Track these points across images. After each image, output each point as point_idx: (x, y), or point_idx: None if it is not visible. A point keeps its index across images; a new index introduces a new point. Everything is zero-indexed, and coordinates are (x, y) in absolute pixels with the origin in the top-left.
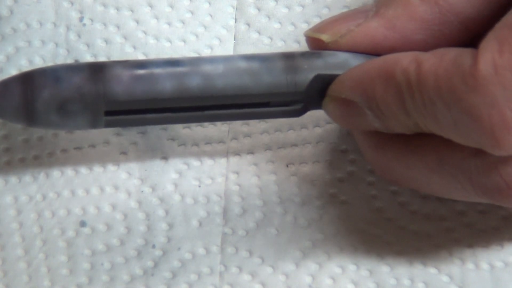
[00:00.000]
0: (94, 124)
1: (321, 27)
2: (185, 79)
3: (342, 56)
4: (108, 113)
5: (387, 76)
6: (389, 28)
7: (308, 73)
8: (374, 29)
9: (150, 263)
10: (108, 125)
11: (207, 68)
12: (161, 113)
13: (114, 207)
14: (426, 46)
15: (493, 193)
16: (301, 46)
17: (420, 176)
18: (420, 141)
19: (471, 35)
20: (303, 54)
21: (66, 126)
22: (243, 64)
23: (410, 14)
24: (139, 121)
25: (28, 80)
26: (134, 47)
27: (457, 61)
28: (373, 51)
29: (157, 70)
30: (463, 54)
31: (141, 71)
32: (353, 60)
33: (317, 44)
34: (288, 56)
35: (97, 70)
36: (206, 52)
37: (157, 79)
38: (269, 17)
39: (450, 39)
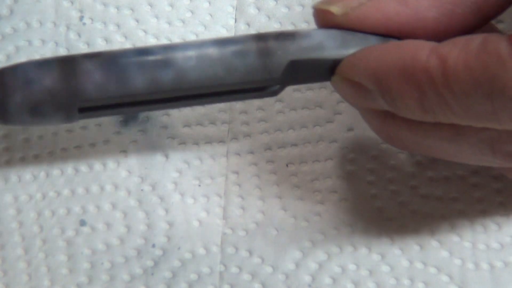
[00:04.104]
0: (68, 121)
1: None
2: (157, 74)
3: (316, 38)
4: (82, 109)
5: (405, 73)
6: (401, 3)
7: (282, 58)
8: (387, 4)
9: (150, 263)
10: (82, 118)
11: (179, 60)
12: (136, 106)
13: (114, 205)
14: (439, 24)
15: None
16: None
17: (435, 144)
18: None
19: (482, 16)
20: (276, 37)
21: (41, 124)
22: (215, 54)
23: None
24: (114, 113)
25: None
26: (134, 46)
27: (490, 48)
28: (384, 27)
29: (129, 65)
30: (493, 40)
31: (113, 67)
32: (329, 41)
33: (325, 17)
34: (260, 39)
35: (68, 67)
36: None
37: (129, 75)
38: (269, 17)
39: (462, 18)
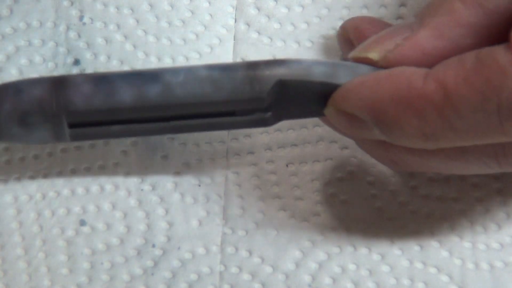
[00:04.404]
0: (58, 137)
1: (367, 46)
2: (144, 88)
3: (305, 63)
4: (72, 125)
5: (402, 102)
6: (437, 37)
7: (270, 79)
8: (423, 40)
9: (150, 263)
10: (74, 138)
11: (168, 77)
12: (125, 124)
13: (114, 205)
14: None
15: None
16: (301, 46)
17: (439, 164)
18: None
19: None
20: (267, 62)
21: (32, 139)
22: (204, 73)
23: (456, 20)
24: (105, 134)
25: None
26: (134, 46)
27: (487, 61)
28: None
29: (118, 81)
30: (488, 52)
31: (101, 82)
32: (318, 67)
33: (364, 63)
34: (251, 64)
35: (59, 82)
36: (206, 52)
37: (117, 88)
38: (268, 17)
39: (499, 40)
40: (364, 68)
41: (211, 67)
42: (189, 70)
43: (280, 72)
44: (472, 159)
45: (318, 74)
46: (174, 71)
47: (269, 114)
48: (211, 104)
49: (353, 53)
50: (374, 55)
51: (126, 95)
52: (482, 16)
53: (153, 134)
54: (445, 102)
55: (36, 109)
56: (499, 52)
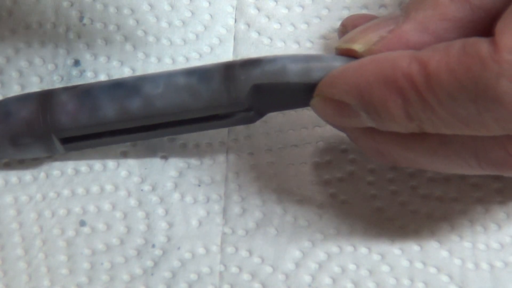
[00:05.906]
0: (52, 151)
1: (352, 37)
2: (126, 102)
3: (280, 63)
4: (64, 140)
5: (387, 82)
6: (422, 31)
7: (245, 83)
8: (407, 33)
9: (149, 263)
10: (68, 150)
11: (148, 89)
12: (113, 135)
13: (114, 206)
14: None
15: (499, 166)
16: (301, 47)
17: (422, 157)
18: None
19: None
20: (242, 64)
21: (28, 156)
22: (182, 81)
23: (442, 15)
24: (96, 144)
25: None
26: (134, 47)
27: (471, 51)
28: None
29: (100, 96)
30: (473, 43)
31: (85, 99)
32: (292, 66)
33: (349, 55)
34: (227, 67)
35: (45, 100)
36: (206, 52)
37: (100, 104)
38: (268, 18)
39: (484, 36)
40: (342, 60)
41: (190, 73)
42: (168, 79)
43: (255, 75)
44: (451, 153)
45: (293, 73)
46: (154, 81)
47: (251, 112)
48: (190, 112)
49: (338, 44)
50: (358, 46)
51: (109, 110)
52: (467, 11)
53: (143, 139)
54: (426, 84)
55: (25, 131)
56: (483, 44)
